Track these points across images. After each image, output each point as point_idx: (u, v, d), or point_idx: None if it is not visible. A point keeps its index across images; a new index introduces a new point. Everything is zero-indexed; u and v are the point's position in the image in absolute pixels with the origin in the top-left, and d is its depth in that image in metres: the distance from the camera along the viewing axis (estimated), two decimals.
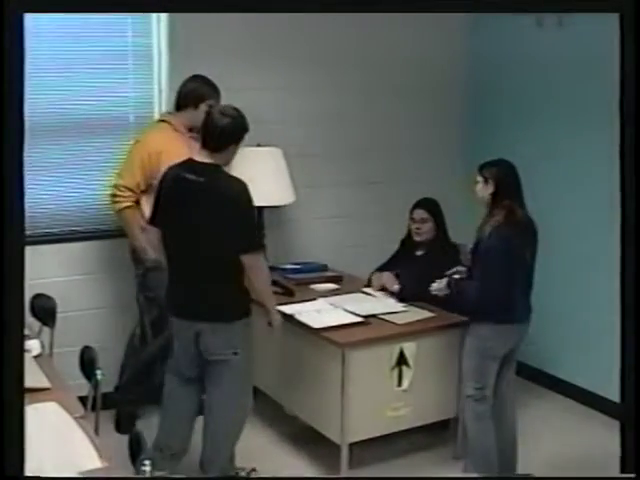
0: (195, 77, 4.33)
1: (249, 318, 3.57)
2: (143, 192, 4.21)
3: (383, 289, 4.45)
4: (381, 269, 4.63)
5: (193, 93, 4.26)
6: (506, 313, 3.65)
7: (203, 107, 4.18)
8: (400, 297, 4.34)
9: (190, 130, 4.27)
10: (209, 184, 3.41)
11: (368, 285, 4.56)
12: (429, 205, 4.56)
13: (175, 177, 3.52)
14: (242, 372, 3.57)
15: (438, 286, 3.88)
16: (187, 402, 3.73)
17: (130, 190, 4.20)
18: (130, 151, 4.29)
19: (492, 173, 3.71)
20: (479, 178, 3.75)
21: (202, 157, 3.46)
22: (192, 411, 3.75)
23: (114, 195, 4.25)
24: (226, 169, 3.53)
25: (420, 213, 4.54)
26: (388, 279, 4.45)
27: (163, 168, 4.04)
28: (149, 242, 3.84)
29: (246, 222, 3.46)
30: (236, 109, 3.50)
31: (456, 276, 3.84)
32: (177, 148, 4.06)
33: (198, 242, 3.44)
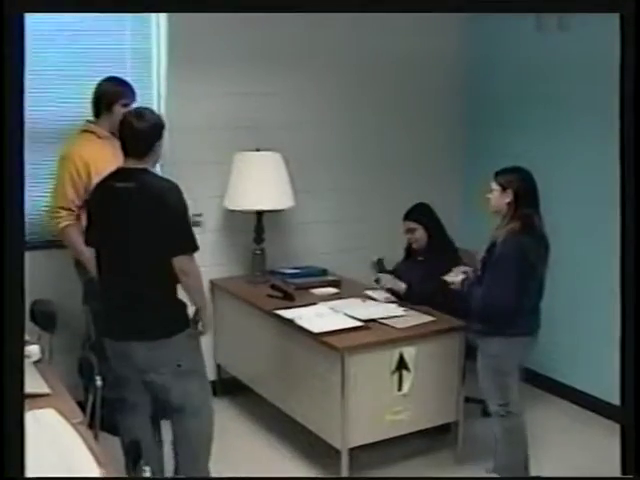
0: (105, 79, 4.19)
1: (190, 329, 3.43)
2: (80, 207, 4.07)
3: (391, 291, 4.45)
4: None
5: (104, 97, 4.13)
6: (516, 326, 3.60)
7: (117, 108, 4.08)
8: (406, 296, 4.34)
9: (114, 134, 4.11)
10: (139, 188, 3.28)
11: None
12: (415, 214, 4.55)
13: (105, 188, 3.40)
14: (191, 383, 3.43)
15: (453, 278, 3.82)
16: (141, 426, 3.55)
17: (65, 209, 4.08)
18: (58, 168, 4.15)
19: (510, 181, 3.61)
20: (495, 186, 3.65)
21: (129, 164, 3.35)
22: (149, 430, 3.60)
23: (51, 217, 4.14)
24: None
25: (407, 224, 4.56)
26: (392, 281, 4.44)
27: (95, 180, 3.89)
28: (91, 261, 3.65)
29: (179, 223, 3.30)
30: (149, 109, 3.45)
31: (466, 273, 3.79)
32: (105, 156, 3.96)
33: (132, 251, 3.31)
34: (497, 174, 3.69)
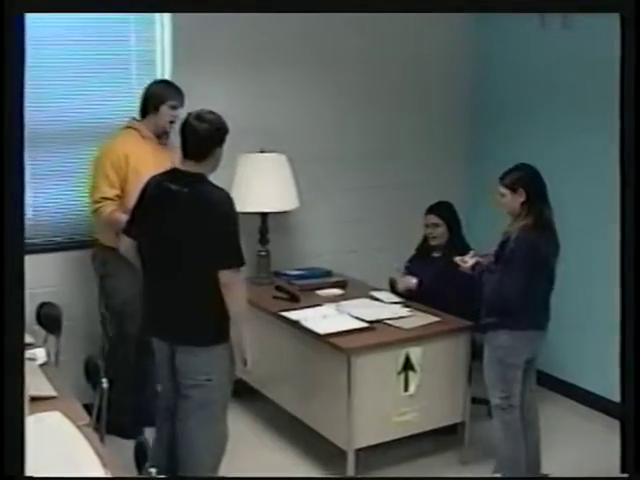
0: (156, 81, 4.29)
1: (228, 343, 3.36)
2: (119, 197, 4.10)
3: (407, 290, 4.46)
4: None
5: (152, 97, 4.18)
6: (526, 319, 3.62)
7: (164, 109, 4.14)
8: (418, 292, 4.35)
9: (158, 137, 4.21)
10: (192, 195, 3.25)
11: (393, 290, 4.55)
12: (440, 210, 4.57)
13: (158, 187, 3.36)
14: (214, 399, 3.39)
15: (464, 261, 3.81)
16: (158, 429, 3.58)
17: (108, 199, 4.07)
18: (97, 160, 4.17)
19: (519, 181, 3.63)
20: (504, 190, 3.65)
21: (187, 166, 3.32)
22: (166, 434, 3.58)
23: (95, 210, 4.11)
24: (212, 176, 3.34)
25: (431, 218, 4.56)
26: (406, 279, 4.47)
27: (131, 172, 3.95)
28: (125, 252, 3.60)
29: (228, 236, 3.25)
30: (212, 112, 3.33)
31: (478, 259, 3.80)
32: (144, 153, 4.03)
33: (178, 256, 3.26)
34: (502, 177, 3.70)
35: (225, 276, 3.23)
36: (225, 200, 3.29)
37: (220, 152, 3.36)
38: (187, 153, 3.31)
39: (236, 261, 3.27)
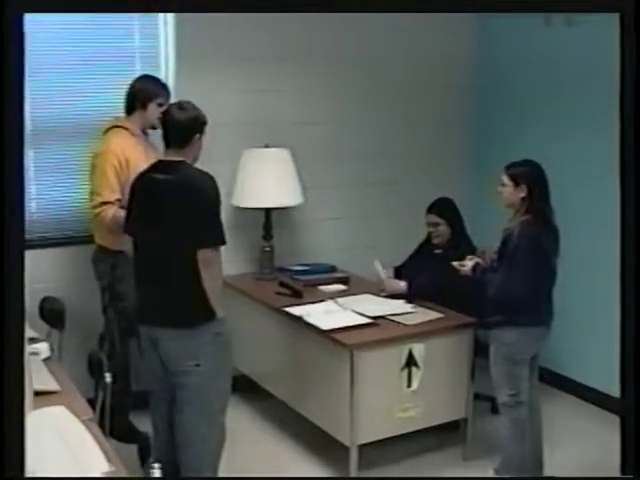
0: (141, 77, 4.22)
1: (214, 322, 3.37)
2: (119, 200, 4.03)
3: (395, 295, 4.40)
4: (398, 268, 4.64)
5: (140, 94, 4.12)
6: (531, 315, 3.62)
7: (152, 106, 4.09)
8: (409, 294, 4.33)
9: (143, 132, 4.18)
10: (176, 180, 3.35)
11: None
12: (440, 208, 4.54)
13: (144, 180, 3.47)
14: (206, 388, 3.39)
15: (463, 265, 3.82)
16: (157, 422, 3.60)
17: (109, 203, 3.98)
18: (96, 164, 4.08)
19: (523, 176, 3.62)
20: (507, 181, 3.65)
21: (169, 156, 3.43)
22: (166, 427, 3.58)
23: (98, 214, 4.01)
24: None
25: (431, 217, 4.54)
26: (393, 284, 4.44)
27: (132, 175, 3.90)
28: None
29: (209, 216, 3.33)
30: (191, 103, 3.47)
31: (477, 260, 3.81)
32: (139, 152, 4.01)
33: (164, 239, 3.35)
34: (508, 167, 3.69)
35: (203, 254, 3.30)
36: (207, 181, 3.37)
37: (200, 142, 3.47)
38: (169, 142, 3.43)
39: (218, 239, 3.34)
